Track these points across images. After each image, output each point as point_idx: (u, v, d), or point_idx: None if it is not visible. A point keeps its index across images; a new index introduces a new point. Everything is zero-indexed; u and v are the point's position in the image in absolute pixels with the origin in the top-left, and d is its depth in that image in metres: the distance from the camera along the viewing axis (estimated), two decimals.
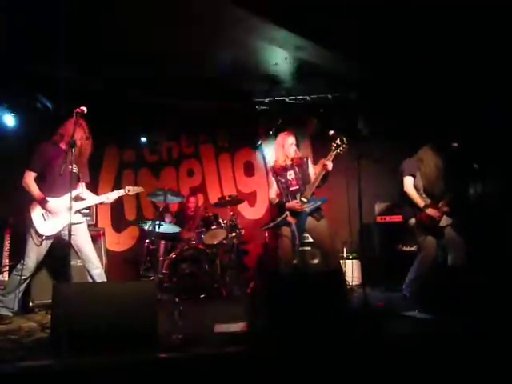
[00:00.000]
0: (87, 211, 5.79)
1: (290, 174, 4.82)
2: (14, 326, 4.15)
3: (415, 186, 4.77)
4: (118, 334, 3.09)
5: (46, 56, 5.54)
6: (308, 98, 7.08)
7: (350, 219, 5.91)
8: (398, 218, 6.25)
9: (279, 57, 5.92)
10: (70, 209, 3.85)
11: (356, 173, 4.53)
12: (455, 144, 4.72)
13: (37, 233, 4.31)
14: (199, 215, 6.92)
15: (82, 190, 4.61)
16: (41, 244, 4.33)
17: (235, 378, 2.85)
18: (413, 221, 4.77)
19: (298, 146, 4.99)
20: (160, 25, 5.19)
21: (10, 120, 6.23)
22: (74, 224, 4.36)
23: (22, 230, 4.61)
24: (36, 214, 4.33)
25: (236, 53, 5.79)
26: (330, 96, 7.03)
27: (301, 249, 5.44)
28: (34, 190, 4.31)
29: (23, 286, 4.43)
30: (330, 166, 4.56)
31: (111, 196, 4.65)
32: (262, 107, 7.35)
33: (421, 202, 4.69)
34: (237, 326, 3.82)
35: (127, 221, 7.62)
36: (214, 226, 6.33)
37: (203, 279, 5.87)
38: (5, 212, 5.61)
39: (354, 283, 6.48)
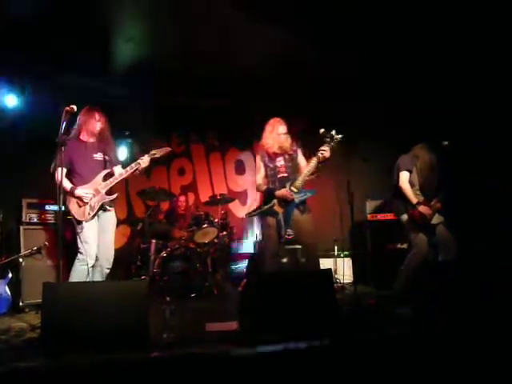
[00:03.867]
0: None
1: (279, 160, 4.65)
2: (4, 327, 4.13)
3: (410, 182, 4.78)
4: (109, 334, 3.07)
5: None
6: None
7: (342, 217, 5.93)
8: (389, 216, 6.29)
9: None
10: (61, 201, 3.91)
11: (346, 171, 4.53)
12: (446, 143, 4.74)
13: (77, 221, 4.33)
14: (190, 214, 6.91)
15: (110, 170, 4.62)
16: (82, 230, 4.31)
17: (227, 377, 2.85)
18: (405, 217, 4.78)
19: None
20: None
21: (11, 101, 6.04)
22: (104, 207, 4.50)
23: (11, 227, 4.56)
24: (72, 204, 4.37)
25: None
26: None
27: (292, 247, 5.43)
28: (66, 184, 4.35)
29: (90, 275, 4.35)
30: (327, 153, 4.34)
31: (142, 161, 4.61)
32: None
33: (414, 199, 4.70)
34: (228, 325, 3.81)
35: (118, 219, 7.57)
36: (206, 225, 6.32)
37: (194, 278, 5.86)
38: None
39: (345, 281, 6.50)
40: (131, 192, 7.53)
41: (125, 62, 6.11)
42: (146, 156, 4.65)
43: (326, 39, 5.53)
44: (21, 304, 5.00)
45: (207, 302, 5.54)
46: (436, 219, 4.70)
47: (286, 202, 4.48)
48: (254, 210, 4.79)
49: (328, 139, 4.43)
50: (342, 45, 5.66)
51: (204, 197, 7.54)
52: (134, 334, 3.11)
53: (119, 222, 7.49)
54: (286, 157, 4.65)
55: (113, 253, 4.51)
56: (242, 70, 6.27)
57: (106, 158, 4.56)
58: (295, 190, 4.45)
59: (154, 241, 6.25)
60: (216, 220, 6.43)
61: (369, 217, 6.60)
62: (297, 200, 4.46)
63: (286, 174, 4.60)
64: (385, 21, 5.15)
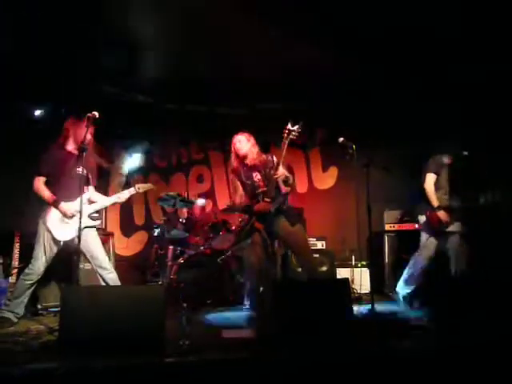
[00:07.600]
0: (97, 215, 5.79)
1: (256, 175, 4.47)
2: (22, 329, 4.16)
3: (439, 186, 4.72)
4: (126, 338, 3.09)
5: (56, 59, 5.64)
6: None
7: (359, 227, 5.89)
8: (406, 227, 6.29)
9: None
10: (80, 212, 3.84)
11: (365, 180, 4.50)
12: (466, 153, 4.70)
13: (53, 238, 4.27)
14: (208, 221, 6.91)
15: (91, 193, 4.55)
16: (55, 249, 4.31)
17: None
18: (422, 218, 4.73)
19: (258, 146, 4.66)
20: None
21: None
22: (87, 227, 4.34)
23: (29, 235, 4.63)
24: (53, 218, 4.27)
25: None
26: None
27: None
28: (45, 193, 4.27)
29: (30, 291, 4.41)
30: (281, 177, 4.24)
31: (122, 195, 4.57)
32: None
33: (435, 202, 4.64)
34: (244, 332, 3.81)
35: (136, 225, 7.64)
36: (223, 232, 6.32)
37: (211, 285, 5.86)
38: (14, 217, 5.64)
39: (362, 291, 6.45)
40: (150, 198, 7.58)
41: (147, 72, 6.19)
42: (132, 189, 4.62)
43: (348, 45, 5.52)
44: (39, 307, 5.04)
45: (223, 309, 5.54)
46: (454, 227, 4.63)
47: (263, 216, 4.32)
48: (235, 237, 4.63)
49: (285, 134, 4.25)
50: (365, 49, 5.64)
51: (222, 204, 7.56)
52: (150, 339, 3.12)
53: (138, 228, 7.63)
54: (261, 171, 4.48)
55: (106, 259, 4.49)
56: (261, 78, 6.30)
57: (89, 174, 4.49)
58: (268, 200, 4.29)
59: (171, 247, 6.28)
60: (233, 227, 6.43)
61: (387, 227, 6.57)
62: (272, 209, 4.31)
63: (265, 189, 4.39)
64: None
